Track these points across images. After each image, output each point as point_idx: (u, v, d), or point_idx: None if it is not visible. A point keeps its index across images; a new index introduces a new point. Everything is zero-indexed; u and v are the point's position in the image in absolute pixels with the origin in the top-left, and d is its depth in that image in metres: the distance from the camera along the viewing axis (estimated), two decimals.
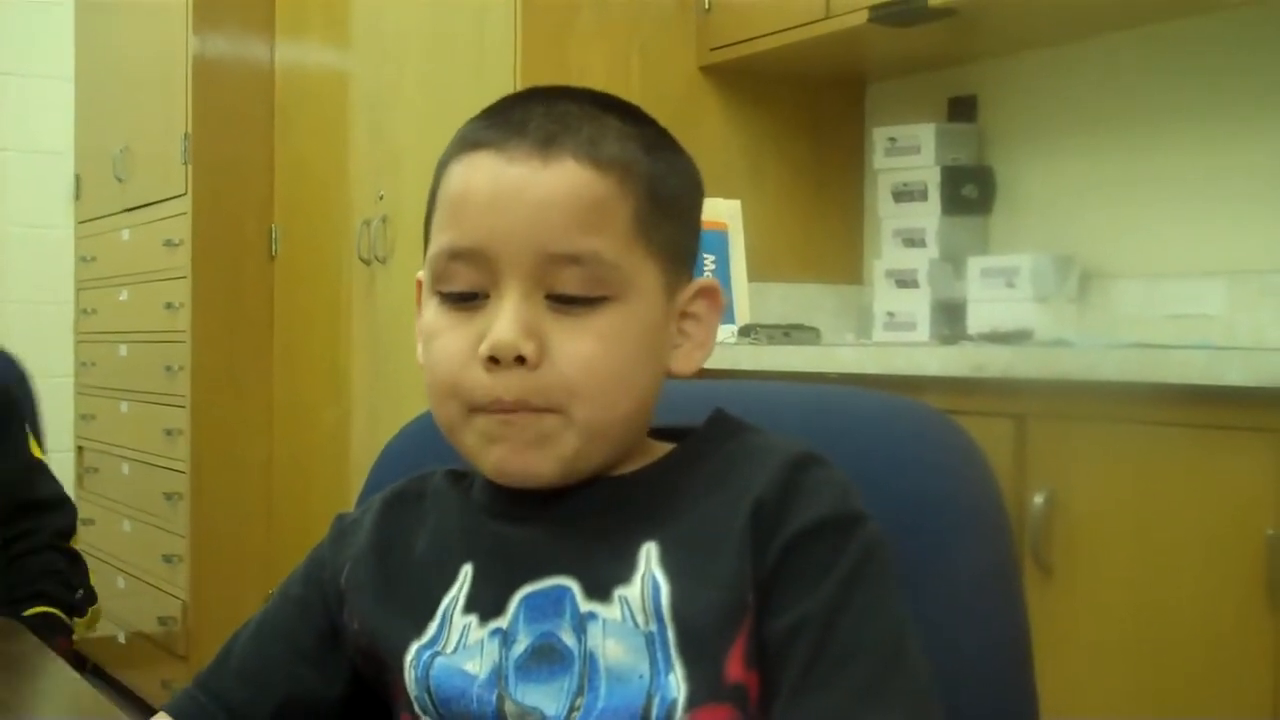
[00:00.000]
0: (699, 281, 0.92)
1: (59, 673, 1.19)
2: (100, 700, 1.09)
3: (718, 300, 0.93)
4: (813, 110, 3.18)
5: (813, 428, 0.98)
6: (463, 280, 0.87)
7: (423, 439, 1.10)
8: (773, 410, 0.97)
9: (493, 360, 0.84)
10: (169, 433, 3.82)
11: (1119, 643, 1.91)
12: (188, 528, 3.74)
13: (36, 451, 2.07)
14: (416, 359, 0.90)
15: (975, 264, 2.76)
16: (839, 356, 2.41)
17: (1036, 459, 2.00)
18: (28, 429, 2.08)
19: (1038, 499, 1.97)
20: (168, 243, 3.83)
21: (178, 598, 3.78)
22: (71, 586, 1.98)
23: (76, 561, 2.05)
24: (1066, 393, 1.97)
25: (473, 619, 0.87)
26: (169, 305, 3.82)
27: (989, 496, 1.00)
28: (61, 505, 2.06)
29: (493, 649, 0.85)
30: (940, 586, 0.95)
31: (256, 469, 3.79)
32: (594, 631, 0.84)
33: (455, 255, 0.87)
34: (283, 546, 3.68)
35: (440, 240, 0.88)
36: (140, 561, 3.94)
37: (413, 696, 0.87)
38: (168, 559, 3.81)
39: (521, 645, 0.85)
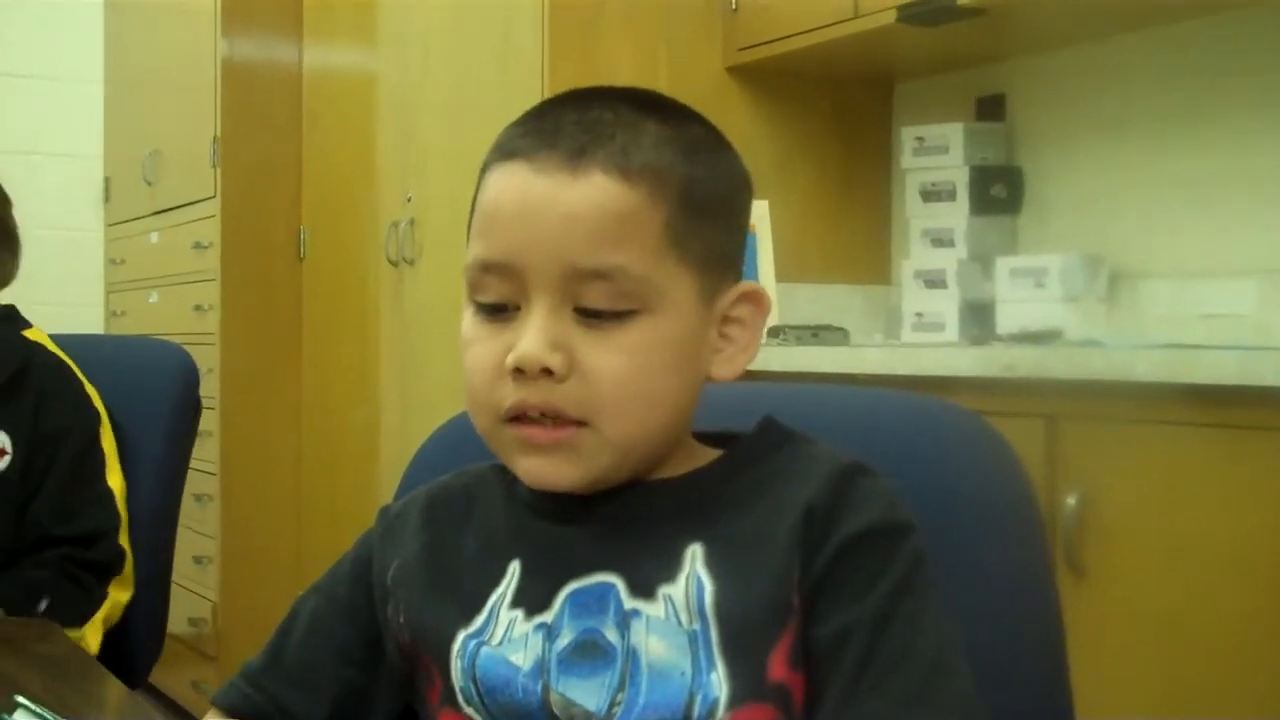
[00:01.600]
0: (742, 285, 0.91)
1: (95, 674, 1.20)
2: (138, 701, 1.10)
3: (762, 304, 0.92)
4: (840, 110, 3.17)
5: (844, 429, 0.98)
6: (494, 292, 0.87)
7: (456, 442, 1.10)
8: (803, 412, 0.97)
9: (519, 372, 0.85)
10: (198, 434, 3.83)
11: (1152, 643, 1.90)
12: (218, 529, 3.76)
13: (111, 481, 1.91)
14: (447, 359, 0.91)
15: (1004, 264, 2.75)
16: (868, 357, 2.41)
17: (1068, 460, 1.99)
18: (101, 452, 1.91)
19: (1070, 500, 1.96)
20: (197, 245, 3.85)
21: (208, 599, 3.79)
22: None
23: (72, 580, 1.80)
24: (1097, 393, 1.96)
25: (519, 613, 0.88)
26: (198, 307, 3.84)
27: (1022, 497, 0.99)
28: (96, 541, 1.85)
29: (537, 642, 0.86)
30: (974, 587, 0.95)
31: (286, 470, 3.80)
32: (637, 628, 0.84)
33: (486, 267, 0.87)
34: (312, 547, 3.69)
35: (474, 250, 0.89)
36: None
37: (458, 687, 0.88)
38: (198, 560, 3.82)
39: (565, 640, 0.86)
